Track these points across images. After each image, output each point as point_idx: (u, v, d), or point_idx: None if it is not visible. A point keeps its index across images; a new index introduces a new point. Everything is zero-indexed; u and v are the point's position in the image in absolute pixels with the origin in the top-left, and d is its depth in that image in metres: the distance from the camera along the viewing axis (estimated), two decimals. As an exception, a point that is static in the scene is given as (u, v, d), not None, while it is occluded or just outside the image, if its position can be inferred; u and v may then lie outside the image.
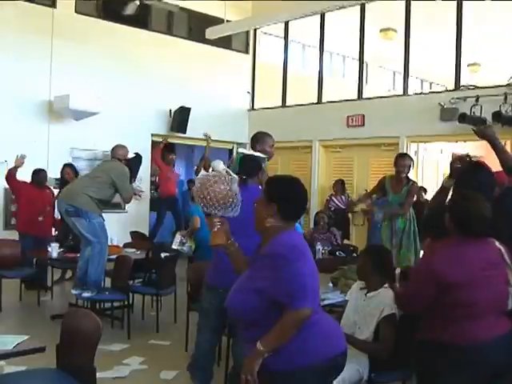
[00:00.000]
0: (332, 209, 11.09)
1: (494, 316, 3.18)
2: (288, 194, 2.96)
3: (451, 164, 4.28)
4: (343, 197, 11.37)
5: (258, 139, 5.33)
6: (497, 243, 3.25)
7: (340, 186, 11.54)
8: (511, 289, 3.20)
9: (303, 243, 2.97)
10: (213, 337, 4.77)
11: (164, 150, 11.88)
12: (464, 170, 4.08)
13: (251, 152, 5.07)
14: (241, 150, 5.38)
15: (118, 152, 7.18)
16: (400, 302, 3.59)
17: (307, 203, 3.09)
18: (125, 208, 11.36)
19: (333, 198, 11.44)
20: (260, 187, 4.34)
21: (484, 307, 3.12)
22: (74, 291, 6.85)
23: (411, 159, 6.93)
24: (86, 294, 6.72)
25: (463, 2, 10.72)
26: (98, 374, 3.59)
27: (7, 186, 9.88)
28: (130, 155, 7.32)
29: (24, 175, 9.52)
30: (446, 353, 3.17)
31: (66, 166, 9.36)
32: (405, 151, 11.36)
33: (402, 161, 6.78)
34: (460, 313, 3.13)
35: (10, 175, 8.96)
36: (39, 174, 9.02)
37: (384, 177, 7.41)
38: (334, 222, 9.56)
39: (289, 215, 2.95)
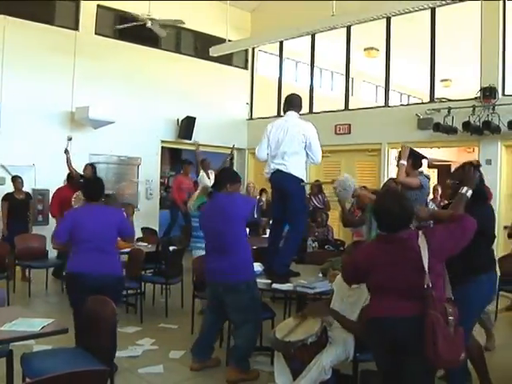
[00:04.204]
0: (310, 208, 10.86)
1: (399, 298, 3.06)
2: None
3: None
4: (320, 196, 11.08)
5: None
6: (420, 235, 3.10)
7: (317, 187, 11.22)
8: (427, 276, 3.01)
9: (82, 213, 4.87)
10: (210, 320, 4.99)
11: (182, 162, 12.07)
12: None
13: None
14: None
15: None
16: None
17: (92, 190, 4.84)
18: (137, 206, 11.54)
19: (312, 197, 11.07)
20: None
21: (384, 290, 3.14)
22: None
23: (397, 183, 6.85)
24: None
25: (436, 26, 10.77)
26: (115, 353, 3.62)
27: (35, 188, 10.01)
28: None
29: (52, 177, 9.65)
30: (365, 323, 3.33)
31: (87, 165, 9.61)
32: (386, 156, 11.48)
33: (390, 183, 6.69)
34: (372, 292, 3.31)
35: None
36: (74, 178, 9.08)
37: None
38: (313, 219, 9.45)
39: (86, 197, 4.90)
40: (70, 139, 9.71)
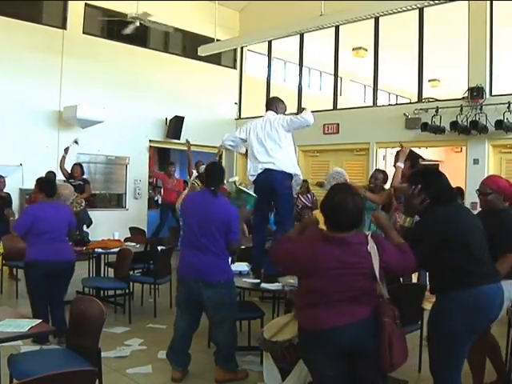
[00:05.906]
0: (299, 207, 10.87)
1: (350, 303, 2.89)
2: None
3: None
4: (309, 195, 11.09)
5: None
6: (369, 241, 2.92)
7: (305, 186, 11.20)
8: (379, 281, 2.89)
9: (42, 209, 5.49)
10: (185, 322, 4.68)
11: (165, 164, 12.12)
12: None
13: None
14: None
15: None
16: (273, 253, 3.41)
17: None
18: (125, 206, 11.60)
19: (300, 196, 11.08)
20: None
21: (329, 297, 2.90)
22: None
23: (384, 174, 6.84)
24: None
25: (424, 26, 10.86)
26: (103, 354, 3.62)
27: (22, 187, 9.97)
28: None
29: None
30: (301, 336, 3.14)
31: (75, 164, 9.77)
32: (374, 156, 11.53)
33: (376, 174, 6.70)
34: (308, 300, 3.02)
35: None
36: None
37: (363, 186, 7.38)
38: (301, 217, 9.45)
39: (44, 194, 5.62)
40: (76, 142, 9.85)
